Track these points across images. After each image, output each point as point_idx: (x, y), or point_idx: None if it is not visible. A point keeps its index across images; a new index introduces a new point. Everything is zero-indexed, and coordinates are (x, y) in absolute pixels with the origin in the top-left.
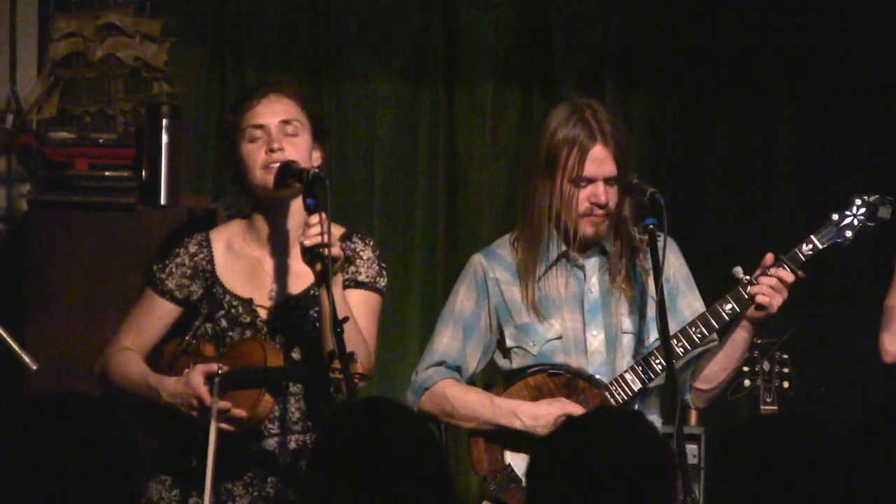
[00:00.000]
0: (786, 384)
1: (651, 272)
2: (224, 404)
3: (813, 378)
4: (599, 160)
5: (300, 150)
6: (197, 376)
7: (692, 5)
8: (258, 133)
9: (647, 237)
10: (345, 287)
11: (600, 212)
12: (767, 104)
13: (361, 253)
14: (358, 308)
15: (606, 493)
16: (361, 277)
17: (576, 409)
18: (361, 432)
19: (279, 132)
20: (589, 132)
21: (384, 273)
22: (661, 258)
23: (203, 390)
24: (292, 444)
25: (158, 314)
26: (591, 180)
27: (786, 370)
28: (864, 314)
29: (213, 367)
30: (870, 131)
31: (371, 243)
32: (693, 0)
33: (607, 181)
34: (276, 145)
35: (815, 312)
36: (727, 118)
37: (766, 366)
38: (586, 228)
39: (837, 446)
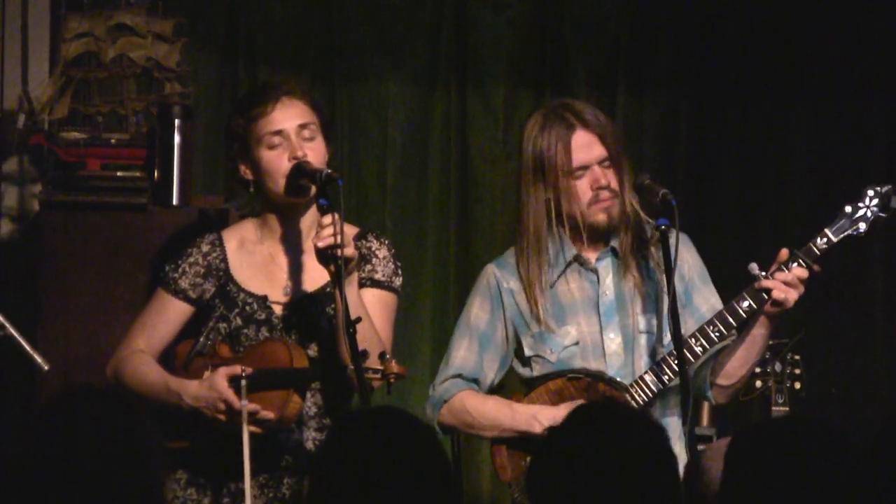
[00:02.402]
0: (797, 385)
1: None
2: (253, 407)
3: (825, 379)
4: (586, 145)
5: (318, 153)
6: (221, 379)
7: (705, 6)
8: (276, 140)
9: (657, 234)
10: (361, 286)
11: (606, 194)
12: (781, 104)
13: (377, 251)
14: (374, 308)
15: (607, 487)
16: (378, 276)
17: None
18: (369, 441)
19: (298, 138)
20: (566, 124)
21: (399, 272)
22: (672, 260)
23: (229, 393)
24: (309, 444)
25: (171, 314)
26: (585, 167)
27: (798, 371)
28: (877, 315)
29: (237, 368)
30: (886, 128)
31: (386, 242)
32: (706, 1)
33: (601, 164)
34: (299, 153)
35: (827, 313)
36: (741, 118)
37: (777, 367)
38: (598, 216)
39: (848, 448)
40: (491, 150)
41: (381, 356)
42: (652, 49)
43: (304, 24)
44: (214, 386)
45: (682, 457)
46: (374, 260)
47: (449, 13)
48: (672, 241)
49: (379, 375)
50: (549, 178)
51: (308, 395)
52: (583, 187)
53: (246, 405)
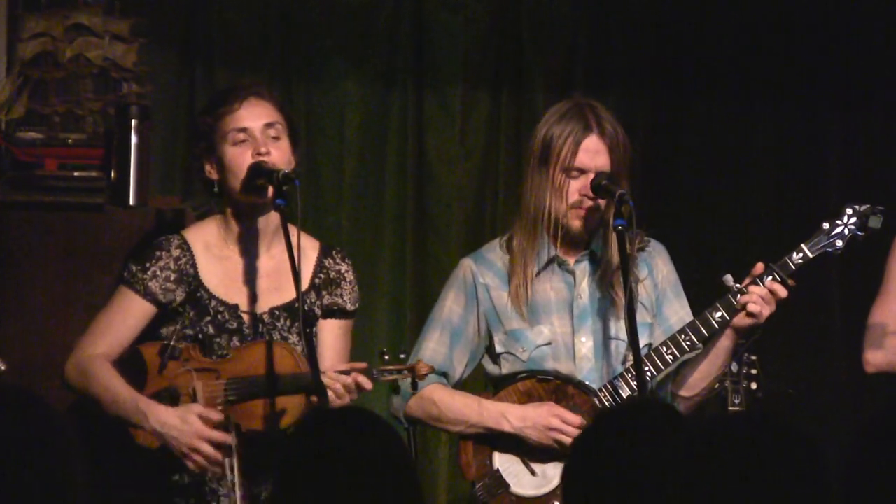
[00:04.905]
0: (754, 385)
1: (642, 279)
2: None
3: (781, 380)
4: (593, 151)
5: (284, 153)
6: (195, 419)
7: (663, 5)
8: (242, 136)
9: (639, 244)
10: (330, 314)
11: (589, 203)
12: (740, 105)
13: (346, 275)
14: (340, 339)
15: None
16: (349, 308)
17: (564, 413)
18: (333, 441)
19: (263, 136)
20: (585, 123)
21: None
22: (628, 261)
23: (211, 433)
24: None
25: (136, 315)
26: (582, 171)
27: (754, 371)
28: (834, 315)
29: (213, 414)
30: (844, 131)
31: (350, 263)
32: (663, 1)
33: None
34: (263, 149)
35: (784, 314)
36: (699, 119)
37: (734, 367)
38: (573, 221)
39: (804, 446)
40: (448, 150)
41: (396, 356)
42: (609, 50)
43: (262, 24)
44: (187, 420)
45: None
46: (343, 284)
47: (406, 14)
48: (628, 242)
49: (407, 373)
50: (550, 167)
51: None
52: (573, 188)
53: (235, 441)
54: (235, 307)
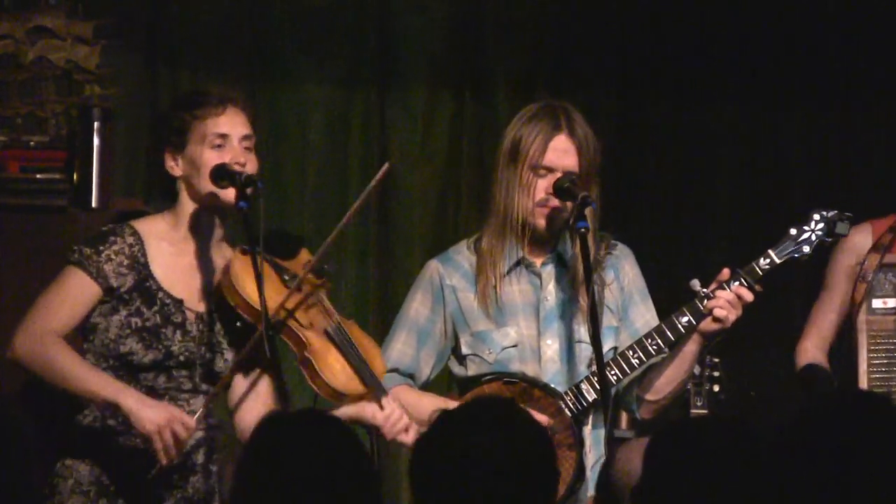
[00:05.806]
0: (716, 388)
1: (608, 283)
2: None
3: (743, 382)
4: (562, 150)
5: (255, 165)
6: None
7: (628, 9)
8: (220, 141)
9: (605, 246)
10: None
11: (555, 202)
12: (705, 105)
13: None
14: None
15: (485, 484)
16: None
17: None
18: (291, 442)
19: (241, 146)
20: (555, 123)
21: None
22: (590, 262)
23: (187, 417)
24: (191, 441)
25: (87, 298)
26: (550, 170)
27: (716, 374)
28: (796, 317)
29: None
30: (811, 133)
31: None
32: (629, 3)
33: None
34: (241, 160)
35: (746, 316)
36: (665, 123)
37: (696, 369)
38: (538, 220)
39: (764, 449)
40: (411, 152)
41: None
42: (573, 51)
43: (226, 26)
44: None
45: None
46: None
47: (370, 15)
48: (590, 243)
49: None
50: (519, 165)
51: (201, 396)
52: (539, 187)
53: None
54: (180, 301)
